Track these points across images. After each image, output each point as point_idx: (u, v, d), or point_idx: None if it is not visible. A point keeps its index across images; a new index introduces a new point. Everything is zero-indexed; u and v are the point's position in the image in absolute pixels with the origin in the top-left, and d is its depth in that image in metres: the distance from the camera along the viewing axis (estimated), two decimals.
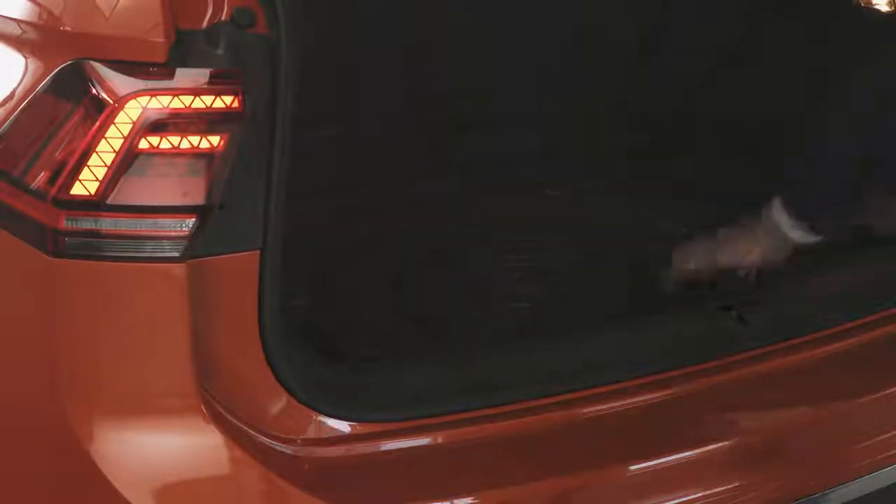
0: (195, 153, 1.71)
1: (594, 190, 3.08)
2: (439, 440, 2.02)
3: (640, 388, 2.16)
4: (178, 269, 1.74)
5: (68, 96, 1.72)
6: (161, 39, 1.67)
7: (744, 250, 2.46)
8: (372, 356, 2.15)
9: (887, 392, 2.33)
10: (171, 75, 1.69)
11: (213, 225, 1.73)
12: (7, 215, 1.75)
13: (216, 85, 1.71)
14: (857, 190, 2.38)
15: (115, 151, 1.68)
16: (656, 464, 2.08)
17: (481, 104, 3.12)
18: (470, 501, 2.01)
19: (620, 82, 3.23)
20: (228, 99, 1.71)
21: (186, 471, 1.82)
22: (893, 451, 2.28)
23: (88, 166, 1.69)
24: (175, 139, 1.70)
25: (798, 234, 2.39)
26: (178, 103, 1.69)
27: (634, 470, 2.09)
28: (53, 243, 1.71)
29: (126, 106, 1.68)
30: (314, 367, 1.99)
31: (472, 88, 3.08)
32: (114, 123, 1.68)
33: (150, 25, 1.67)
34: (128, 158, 1.69)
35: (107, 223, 1.71)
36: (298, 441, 1.90)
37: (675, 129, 3.24)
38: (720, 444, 2.16)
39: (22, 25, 1.83)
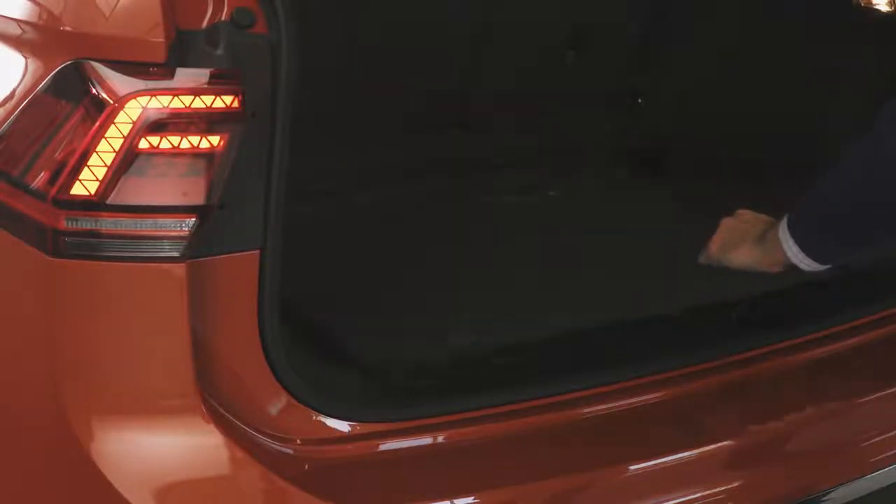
0: (195, 153, 1.71)
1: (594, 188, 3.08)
2: (439, 440, 2.02)
3: (640, 388, 2.16)
4: (178, 269, 1.73)
5: (68, 96, 1.72)
6: (161, 39, 1.67)
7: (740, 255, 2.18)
8: (370, 356, 2.15)
9: (887, 392, 2.33)
10: (170, 75, 1.69)
11: (213, 225, 1.73)
12: (7, 215, 1.75)
13: (216, 85, 1.71)
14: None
15: (115, 151, 1.68)
16: (656, 464, 2.08)
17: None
18: (470, 501, 2.01)
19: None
20: (228, 99, 1.71)
21: (186, 471, 1.81)
22: (893, 451, 2.28)
23: (88, 166, 1.69)
24: (175, 139, 1.70)
25: (809, 265, 2.05)
26: (177, 103, 1.69)
27: (634, 470, 2.09)
28: (53, 243, 1.71)
29: (126, 106, 1.68)
30: (314, 367, 1.99)
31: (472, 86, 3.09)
32: (114, 123, 1.68)
33: (150, 25, 1.67)
34: (128, 158, 1.68)
35: (107, 223, 1.71)
36: (298, 441, 1.90)
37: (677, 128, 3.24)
38: (720, 444, 2.16)
39: (22, 25, 1.83)
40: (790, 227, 2.06)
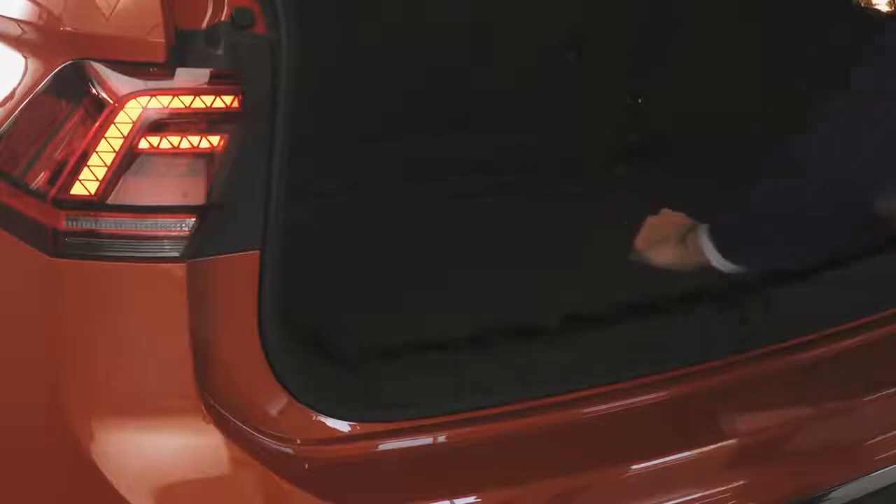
0: (195, 153, 1.71)
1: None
2: (439, 440, 2.02)
3: (640, 388, 2.16)
4: (178, 269, 1.74)
5: (68, 96, 1.72)
6: (161, 40, 1.67)
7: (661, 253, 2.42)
8: (370, 356, 2.15)
9: (887, 392, 2.33)
10: (170, 75, 1.69)
11: (213, 225, 1.73)
12: (7, 215, 1.75)
13: (216, 85, 1.71)
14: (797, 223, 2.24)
15: (114, 151, 1.68)
16: (656, 464, 2.08)
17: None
18: (470, 501, 2.01)
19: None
20: (228, 99, 1.71)
21: (186, 471, 1.82)
22: (893, 451, 2.28)
23: (88, 166, 1.69)
24: (175, 139, 1.70)
25: (725, 266, 2.30)
26: (177, 103, 1.69)
27: (634, 470, 2.09)
28: (53, 243, 1.71)
29: (126, 106, 1.68)
30: (314, 367, 1.99)
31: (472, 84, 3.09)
32: (114, 123, 1.68)
33: (150, 25, 1.67)
34: (128, 158, 1.69)
35: (107, 223, 1.71)
36: (298, 441, 1.90)
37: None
38: (720, 444, 2.16)
39: (22, 25, 1.83)
40: (710, 232, 2.29)
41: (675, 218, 2.44)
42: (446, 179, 2.96)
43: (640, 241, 2.46)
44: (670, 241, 2.40)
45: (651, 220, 2.47)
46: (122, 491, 1.77)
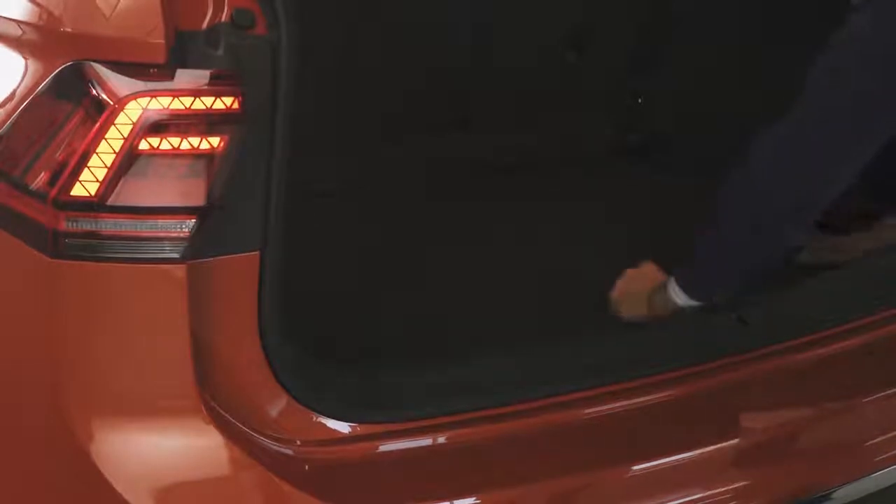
0: (195, 154, 1.71)
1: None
2: (439, 440, 2.02)
3: (641, 389, 2.16)
4: (178, 271, 1.74)
5: (68, 97, 1.72)
6: (161, 41, 1.67)
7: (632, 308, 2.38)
8: (370, 357, 2.15)
9: (887, 392, 2.33)
10: (171, 76, 1.69)
11: (213, 226, 1.73)
12: (7, 216, 1.75)
13: (216, 86, 1.71)
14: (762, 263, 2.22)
15: (115, 152, 1.68)
16: (657, 464, 2.08)
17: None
18: (470, 502, 2.01)
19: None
20: (228, 100, 1.71)
21: (186, 472, 1.82)
22: (894, 451, 2.28)
23: (88, 167, 1.69)
24: (175, 140, 1.70)
25: (689, 303, 2.28)
26: (178, 104, 1.69)
27: (635, 470, 2.09)
28: (53, 244, 1.71)
29: (126, 107, 1.68)
30: (314, 367, 1.99)
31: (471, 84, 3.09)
32: (114, 124, 1.68)
33: (150, 26, 1.67)
34: (128, 159, 1.69)
35: (107, 224, 1.71)
36: (298, 442, 1.90)
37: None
38: (720, 445, 2.16)
39: (22, 26, 1.83)
40: (679, 283, 2.26)
41: (652, 273, 2.37)
42: (446, 179, 2.97)
43: (616, 292, 2.40)
44: (641, 300, 2.35)
45: (631, 273, 2.41)
46: (122, 491, 1.77)
